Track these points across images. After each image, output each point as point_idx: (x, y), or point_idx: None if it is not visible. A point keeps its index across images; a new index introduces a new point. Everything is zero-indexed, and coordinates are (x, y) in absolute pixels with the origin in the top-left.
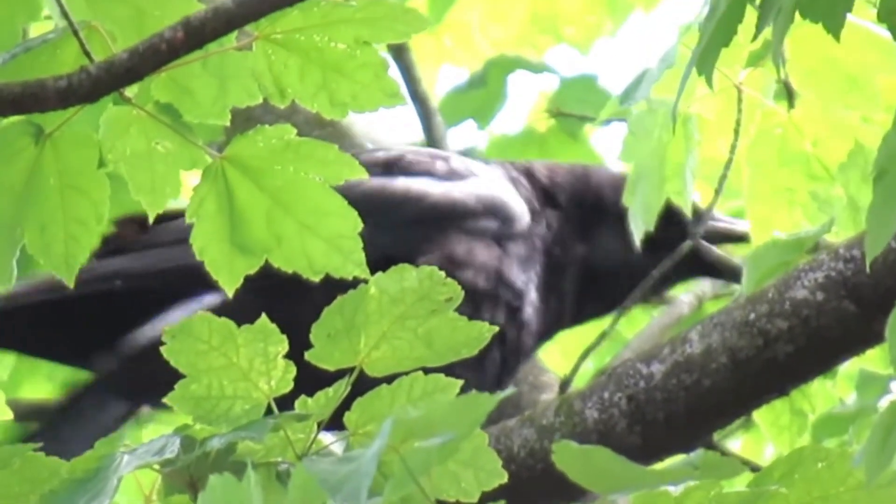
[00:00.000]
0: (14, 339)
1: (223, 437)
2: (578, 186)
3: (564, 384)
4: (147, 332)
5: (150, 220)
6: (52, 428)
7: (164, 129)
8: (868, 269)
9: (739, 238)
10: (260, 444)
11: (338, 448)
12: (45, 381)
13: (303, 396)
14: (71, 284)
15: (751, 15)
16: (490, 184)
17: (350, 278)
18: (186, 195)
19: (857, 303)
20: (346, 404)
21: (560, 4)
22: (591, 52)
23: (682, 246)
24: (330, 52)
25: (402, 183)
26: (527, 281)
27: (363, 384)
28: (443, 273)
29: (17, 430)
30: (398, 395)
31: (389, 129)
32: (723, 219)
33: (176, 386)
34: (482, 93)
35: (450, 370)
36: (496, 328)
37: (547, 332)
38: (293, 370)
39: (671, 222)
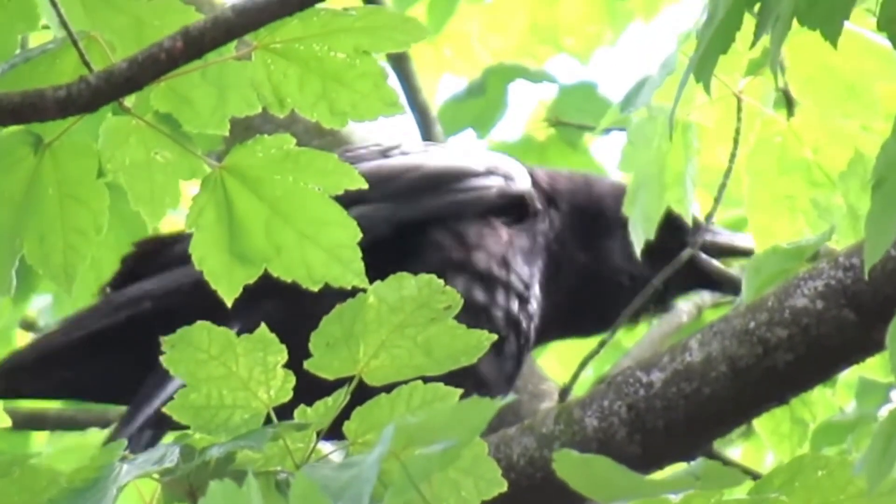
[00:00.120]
0: (56, 385)
1: (222, 447)
2: (579, 195)
3: (564, 392)
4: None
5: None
6: None
7: (164, 139)
8: (866, 277)
9: (741, 253)
10: (259, 454)
11: (337, 458)
12: None
13: (302, 406)
14: (69, 293)
15: (749, 22)
16: (489, 153)
17: (349, 288)
18: (186, 205)
19: (856, 311)
20: (345, 413)
21: (560, 14)
22: (591, 62)
23: (681, 255)
24: (329, 61)
25: (401, 158)
26: (531, 274)
27: (362, 393)
28: (441, 281)
29: (16, 438)
30: (397, 405)
31: (389, 138)
32: (723, 232)
33: (175, 395)
34: (481, 101)
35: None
36: (495, 336)
37: (545, 330)
38: (292, 379)
39: (672, 232)
